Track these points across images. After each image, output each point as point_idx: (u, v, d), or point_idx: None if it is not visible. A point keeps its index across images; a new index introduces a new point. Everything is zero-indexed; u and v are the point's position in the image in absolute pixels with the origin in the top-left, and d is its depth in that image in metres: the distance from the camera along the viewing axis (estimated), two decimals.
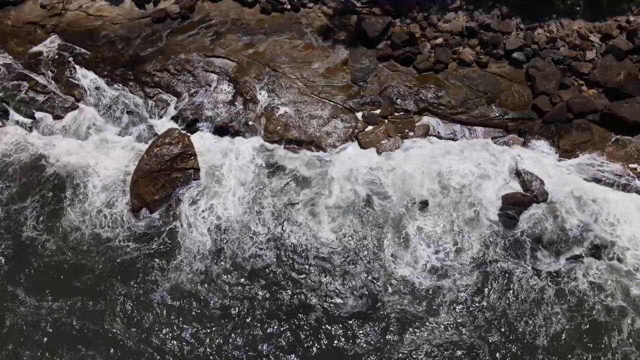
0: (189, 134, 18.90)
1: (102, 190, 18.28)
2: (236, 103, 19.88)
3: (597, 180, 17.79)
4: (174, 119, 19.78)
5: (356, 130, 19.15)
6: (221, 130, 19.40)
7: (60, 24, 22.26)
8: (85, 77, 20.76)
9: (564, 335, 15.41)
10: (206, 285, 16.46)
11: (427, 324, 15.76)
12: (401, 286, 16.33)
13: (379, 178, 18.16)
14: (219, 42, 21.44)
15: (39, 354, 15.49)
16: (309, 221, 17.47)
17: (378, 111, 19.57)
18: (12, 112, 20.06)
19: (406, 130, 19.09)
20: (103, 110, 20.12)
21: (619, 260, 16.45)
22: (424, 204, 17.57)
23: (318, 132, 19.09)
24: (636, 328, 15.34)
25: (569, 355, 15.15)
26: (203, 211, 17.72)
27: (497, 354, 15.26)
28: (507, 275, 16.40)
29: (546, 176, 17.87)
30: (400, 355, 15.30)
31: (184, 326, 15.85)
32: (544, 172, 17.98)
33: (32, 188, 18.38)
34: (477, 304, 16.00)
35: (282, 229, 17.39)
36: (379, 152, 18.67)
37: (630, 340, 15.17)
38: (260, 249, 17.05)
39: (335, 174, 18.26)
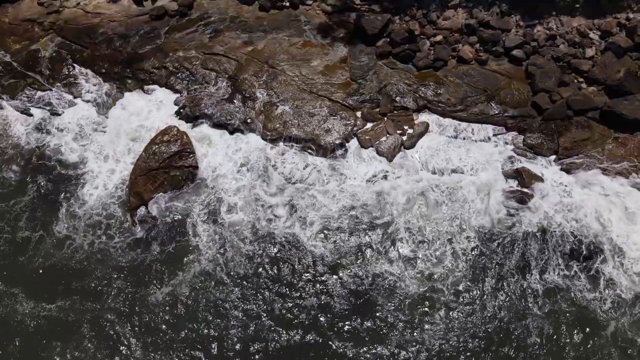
0: (187, 132, 18.82)
1: (99, 188, 18.27)
2: (235, 100, 19.81)
3: (597, 178, 17.73)
4: (173, 115, 19.69)
5: (355, 128, 19.10)
6: (220, 127, 19.33)
7: (58, 21, 22.16)
8: (83, 75, 20.67)
9: (566, 334, 15.43)
10: (205, 285, 16.44)
11: (422, 324, 15.78)
12: (395, 285, 16.31)
13: (378, 175, 18.12)
14: (218, 39, 21.36)
15: (36, 352, 15.47)
16: (307, 221, 17.44)
17: (377, 109, 19.52)
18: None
19: (405, 128, 19.04)
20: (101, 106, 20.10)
21: (620, 256, 16.46)
22: (423, 200, 17.55)
23: (317, 130, 19.03)
24: (633, 320, 15.42)
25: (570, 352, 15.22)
26: (201, 209, 17.68)
27: (496, 354, 15.27)
28: (504, 273, 16.38)
29: (545, 174, 17.84)
30: (395, 355, 15.31)
31: (182, 326, 15.85)
32: (543, 170, 17.96)
33: (29, 183, 18.43)
34: (472, 303, 15.99)
35: (281, 229, 17.34)
36: (378, 150, 18.61)
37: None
38: (258, 248, 17.02)
39: (334, 171, 18.25)
